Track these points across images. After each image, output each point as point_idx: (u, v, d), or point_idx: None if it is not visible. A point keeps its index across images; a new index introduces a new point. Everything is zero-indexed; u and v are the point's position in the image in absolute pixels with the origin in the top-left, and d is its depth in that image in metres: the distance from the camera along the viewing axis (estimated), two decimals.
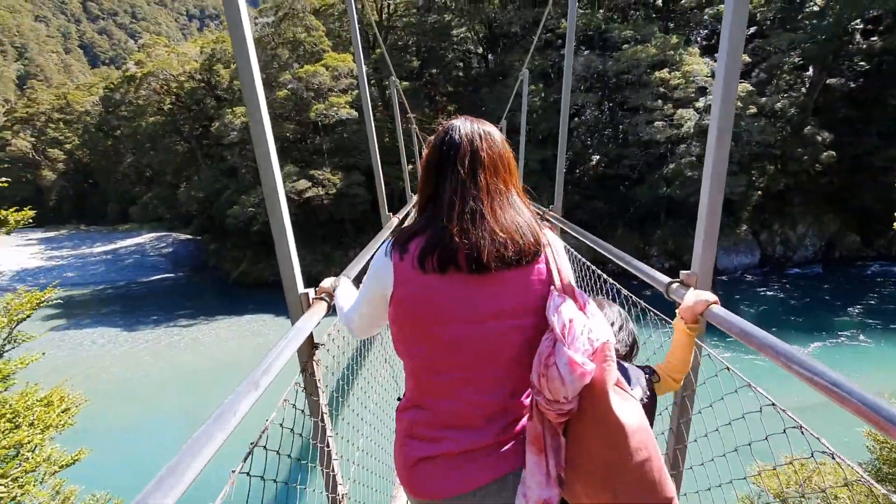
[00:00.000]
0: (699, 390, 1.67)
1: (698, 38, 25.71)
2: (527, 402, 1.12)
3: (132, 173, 47.09)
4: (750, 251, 21.91)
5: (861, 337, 14.15)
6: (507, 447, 1.11)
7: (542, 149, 23.64)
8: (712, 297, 1.39)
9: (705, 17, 23.34)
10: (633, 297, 2.02)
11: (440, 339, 1.06)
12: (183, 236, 37.12)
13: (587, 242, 2.74)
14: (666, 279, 1.64)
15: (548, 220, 4.03)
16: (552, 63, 23.79)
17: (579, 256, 3.07)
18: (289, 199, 21.73)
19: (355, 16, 3.95)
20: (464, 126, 1.13)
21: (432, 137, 1.17)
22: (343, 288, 1.53)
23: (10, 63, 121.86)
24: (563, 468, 1.06)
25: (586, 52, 24.09)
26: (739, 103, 18.60)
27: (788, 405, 1.16)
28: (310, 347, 1.62)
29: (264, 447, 1.14)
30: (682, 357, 1.48)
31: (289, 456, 1.25)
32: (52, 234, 48.97)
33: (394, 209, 4.23)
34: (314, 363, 1.62)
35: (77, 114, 55.70)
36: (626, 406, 1.03)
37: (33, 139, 62.10)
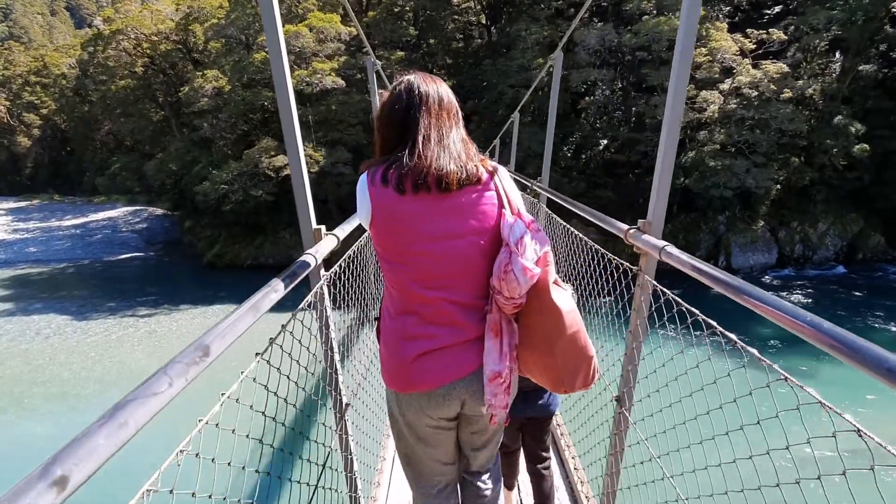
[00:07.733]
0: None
1: (720, 15, 23.53)
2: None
3: (110, 141, 44.51)
4: (767, 249, 20.21)
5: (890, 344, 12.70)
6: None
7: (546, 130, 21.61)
8: None
9: None
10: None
11: (417, 254, 1.30)
12: (160, 211, 34.86)
13: (559, 201, 3.34)
14: (624, 226, 1.86)
15: (534, 189, 4.75)
16: (562, 34, 21.58)
17: (576, 232, 3.14)
18: (265, 177, 19.68)
19: None
20: (423, 79, 1.35)
21: (394, 87, 1.36)
22: None
23: None
24: (518, 346, 1.39)
25: (599, 24, 21.89)
26: (773, 86, 16.60)
27: None
28: (318, 274, 1.72)
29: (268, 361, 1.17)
30: None
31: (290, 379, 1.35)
32: (23, 203, 46.52)
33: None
34: (324, 289, 1.72)
35: (54, 77, 52.43)
36: (562, 295, 1.35)
37: (8, 103, 58.84)
